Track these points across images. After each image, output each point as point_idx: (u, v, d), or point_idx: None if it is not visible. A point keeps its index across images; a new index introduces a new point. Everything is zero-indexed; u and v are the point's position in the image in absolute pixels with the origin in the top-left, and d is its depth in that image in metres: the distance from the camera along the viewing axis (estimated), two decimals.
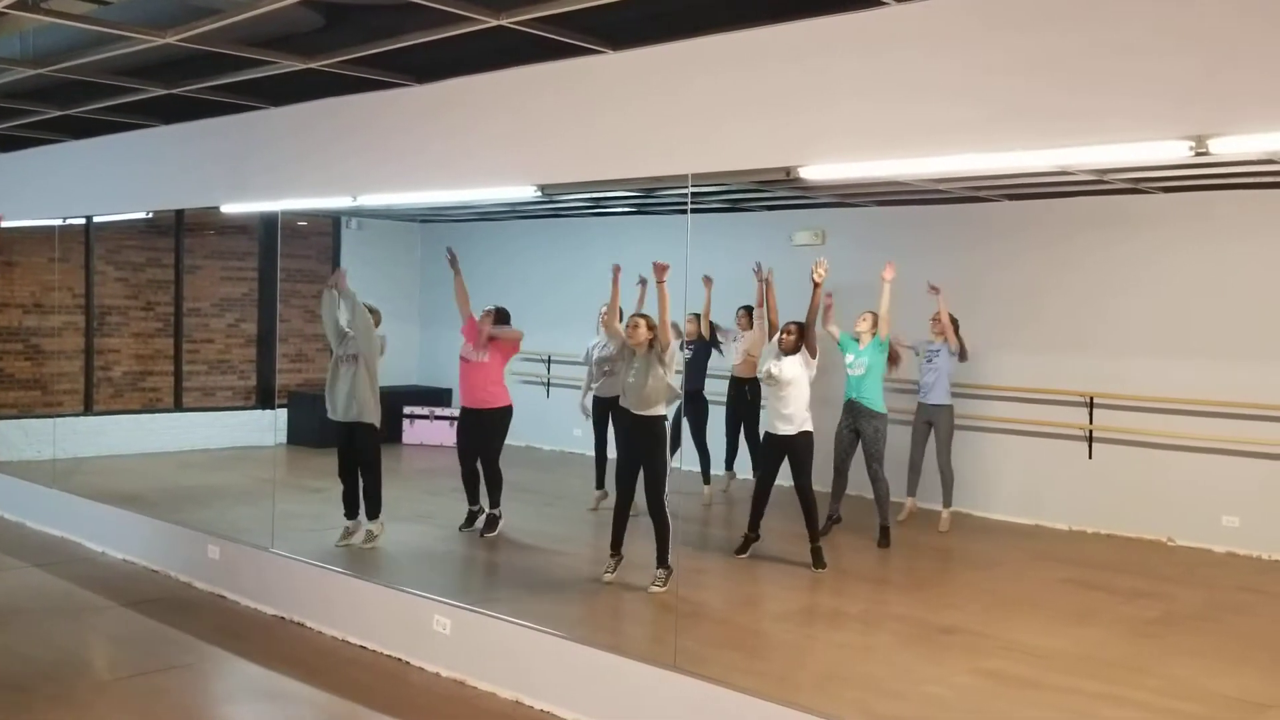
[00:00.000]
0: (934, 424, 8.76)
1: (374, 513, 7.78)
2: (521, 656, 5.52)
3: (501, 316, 8.57)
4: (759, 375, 7.69)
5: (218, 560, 7.30)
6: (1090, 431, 8.84)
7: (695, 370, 9.54)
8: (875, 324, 8.27)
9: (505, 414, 8.35)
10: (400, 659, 5.96)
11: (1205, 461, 8.30)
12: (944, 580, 7.67)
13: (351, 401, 7.63)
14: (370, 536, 7.70)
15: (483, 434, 8.28)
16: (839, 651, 5.89)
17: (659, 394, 6.79)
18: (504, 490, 8.27)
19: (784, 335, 7.58)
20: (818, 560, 7.42)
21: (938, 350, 8.70)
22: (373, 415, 7.67)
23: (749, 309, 9.87)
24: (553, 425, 12.05)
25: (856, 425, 8.25)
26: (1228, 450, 8.22)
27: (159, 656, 6.06)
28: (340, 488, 7.81)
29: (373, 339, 7.74)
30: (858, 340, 8.32)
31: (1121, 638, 6.18)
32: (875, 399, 8.21)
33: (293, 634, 6.46)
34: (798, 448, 7.46)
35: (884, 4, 4.33)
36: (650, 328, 6.89)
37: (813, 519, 7.48)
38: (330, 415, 7.77)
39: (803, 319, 7.57)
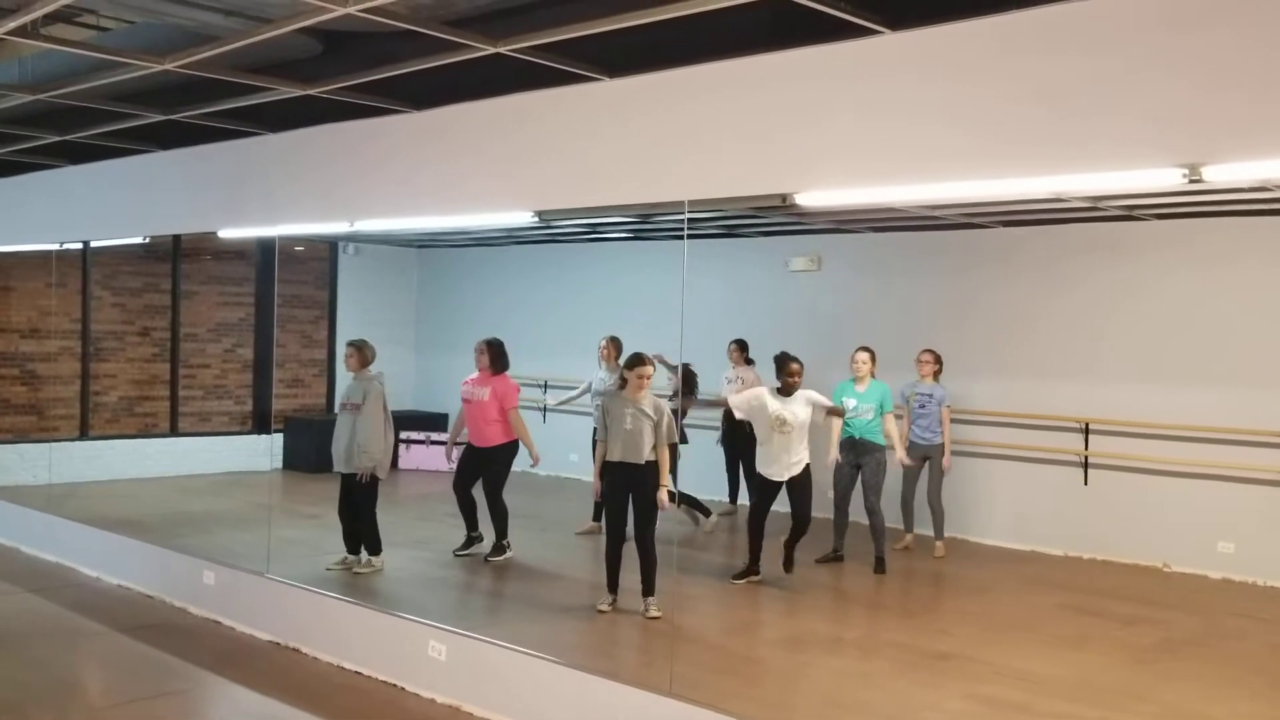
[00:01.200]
0: (930, 460, 8.82)
1: (373, 550, 7.81)
2: (517, 682, 5.50)
3: (494, 350, 8.45)
4: (769, 421, 7.52)
5: (213, 586, 7.28)
6: (1086, 457, 8.85)
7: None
8: (873, 362, 8.34)
9: (504, 451, 8.36)
10: (396, 685, 5.93)
11: (1201, 487, 8.30)
12: (939, 606, 7.66)
13: (351, 451, 7.67)
14: (367, 564, 7.70)
15: (480, 469, 8.32)
16: (834, 677, 5.87)
17: (649, 445, 6.74)
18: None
19: (789, 377, 7.53)
20: (789, 564, 7.70)
21: (929, 394, 8.80)
22: (370, 464, 7.66)
23: (742, 344, 9.96)
24: (549, 450, 12.01)
25: (858, 461, 8.27)
26: (1223, 476, 8.22)
27: (153, 683, 6.04)
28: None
29: (371, 394, 7.73)
30: (856, 382, 8.32)
31: (1117, 663, 6.16)
32: (877, 434, 8.27)
33: (288, 660, 6.44)
34: (799, 484, 7.53)
35: (879, 33, 4.37)
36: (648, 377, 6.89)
37: (802, 534, 7.62)
38: (335, 466, 7.84)
39: (791, 351, 7.65)
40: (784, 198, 4.99)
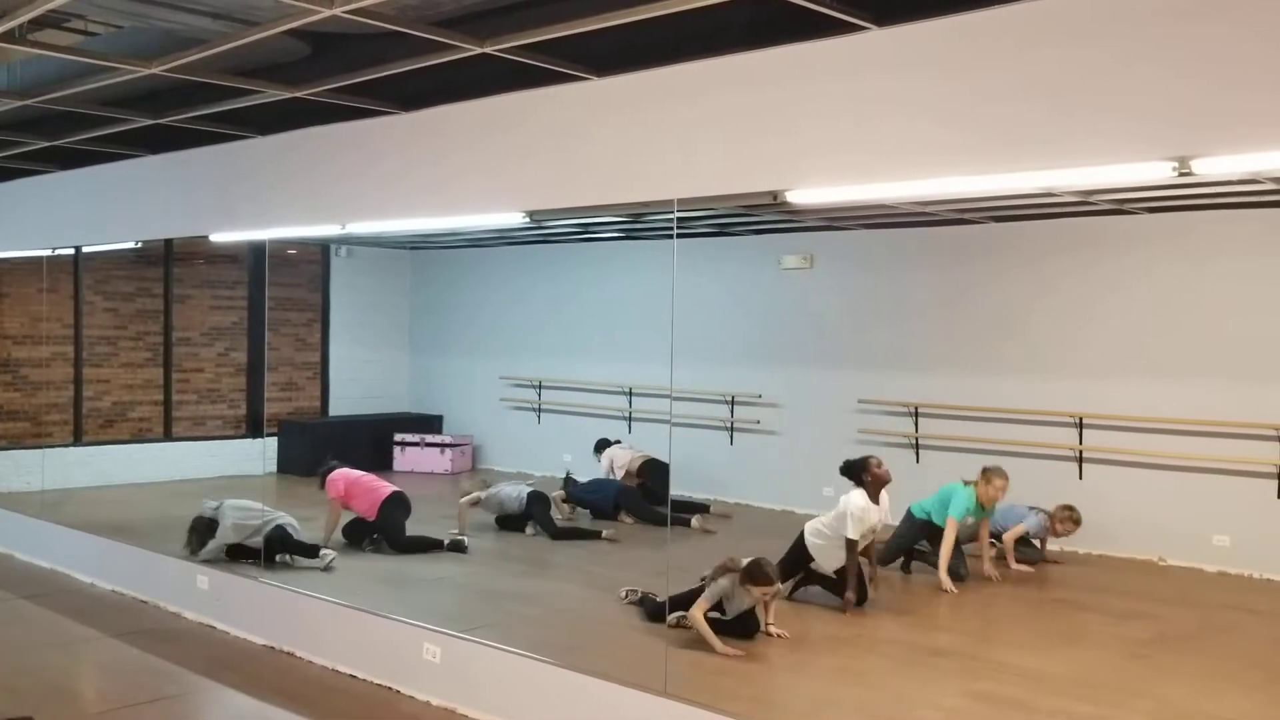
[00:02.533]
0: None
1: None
2: (512, 684, 5.49)
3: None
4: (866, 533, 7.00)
5: (207, 590, 7.26)
6: (1080, 452, 8.85)
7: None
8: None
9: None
10: (390, 688, 5.92)
11: (1196, 481, 8.31)
12: (934, 603, 7.64)
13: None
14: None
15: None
16: (830, 676, 5.86)
17: None
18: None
19: (880, 480, 7.04)
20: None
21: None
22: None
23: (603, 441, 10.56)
24: (544, 451, 12.04)
25: (921, 539, 7.96)
26: (1218, 470, 8.23)
27: (148, 687, 6.02)
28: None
29: None
30: (983, 506, 7.82)
31: (1114, 659, 6.16)
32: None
33: (282, 664, 6.42)
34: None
35: (865, 28, 4.36)
36: None
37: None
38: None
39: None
40: (774, 195, 4.98)
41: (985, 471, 7.81)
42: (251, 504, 7.94)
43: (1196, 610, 7.28)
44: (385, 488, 8.60)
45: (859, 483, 6.98)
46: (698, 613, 6.06)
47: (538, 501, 9.29)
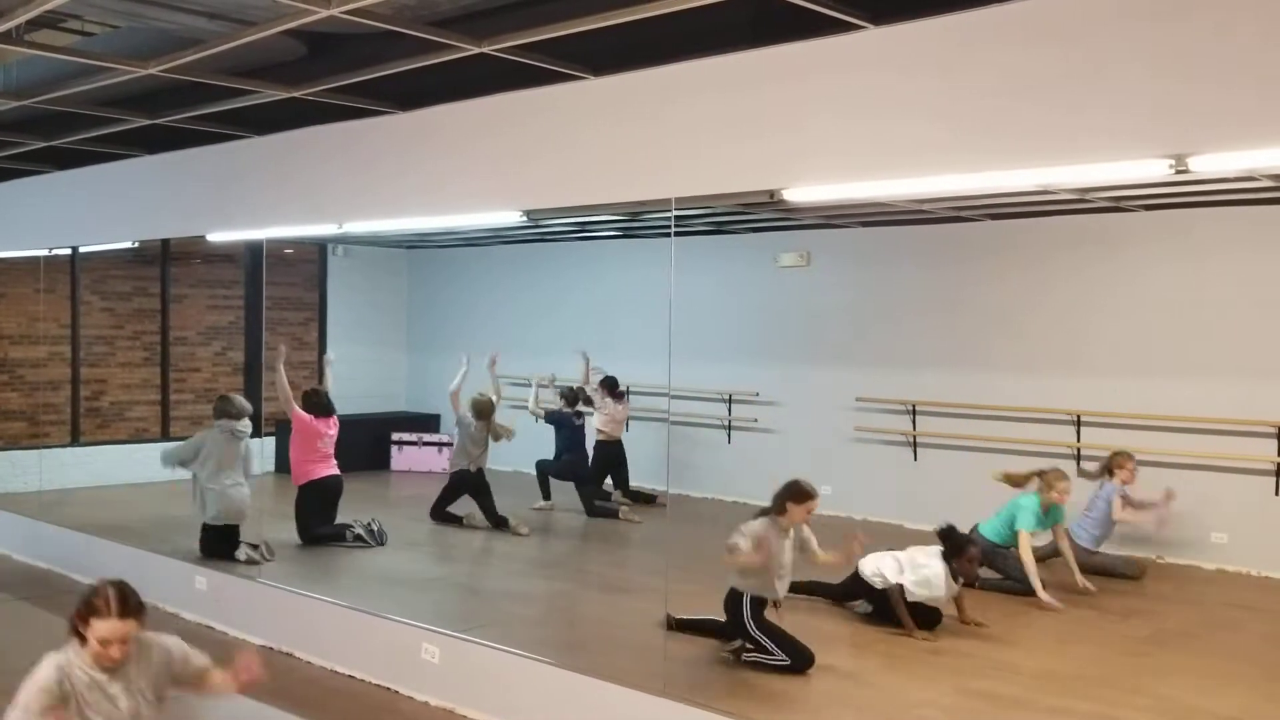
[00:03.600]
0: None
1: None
2: (511, 684, 5.49)
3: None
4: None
5: (205, 591, 7.26)
6: (1078, 450, 8.85)
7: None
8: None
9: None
10: (389, 688, 5.92)
11: (1193, 478, 8.31)
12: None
13: None
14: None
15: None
16: (828, 675, 5.86)
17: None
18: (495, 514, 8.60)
19: (971, 564, 6.69)
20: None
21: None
22: None
23: (611, 381, 10.45)
24: (541, 450, 12.02)
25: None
26: (1215, 467, 8.24)
27: None
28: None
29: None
30: (1049, 513, 7.53)
31: (1111, 656, 6.17)
32: None
33: (281, 664, 6.41)
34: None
35: (862, 27, 4.36)
36: None
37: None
38: None
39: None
40: (771, 193, 4.99)
41: (1044, 475, 7.53)
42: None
43: (1195, 607, 7.28)
44: (327, 466, 8.68)
45: (949, 557, 6.58)
46: (735, 555, 5.76)
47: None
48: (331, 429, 8.75)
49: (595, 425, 10.35)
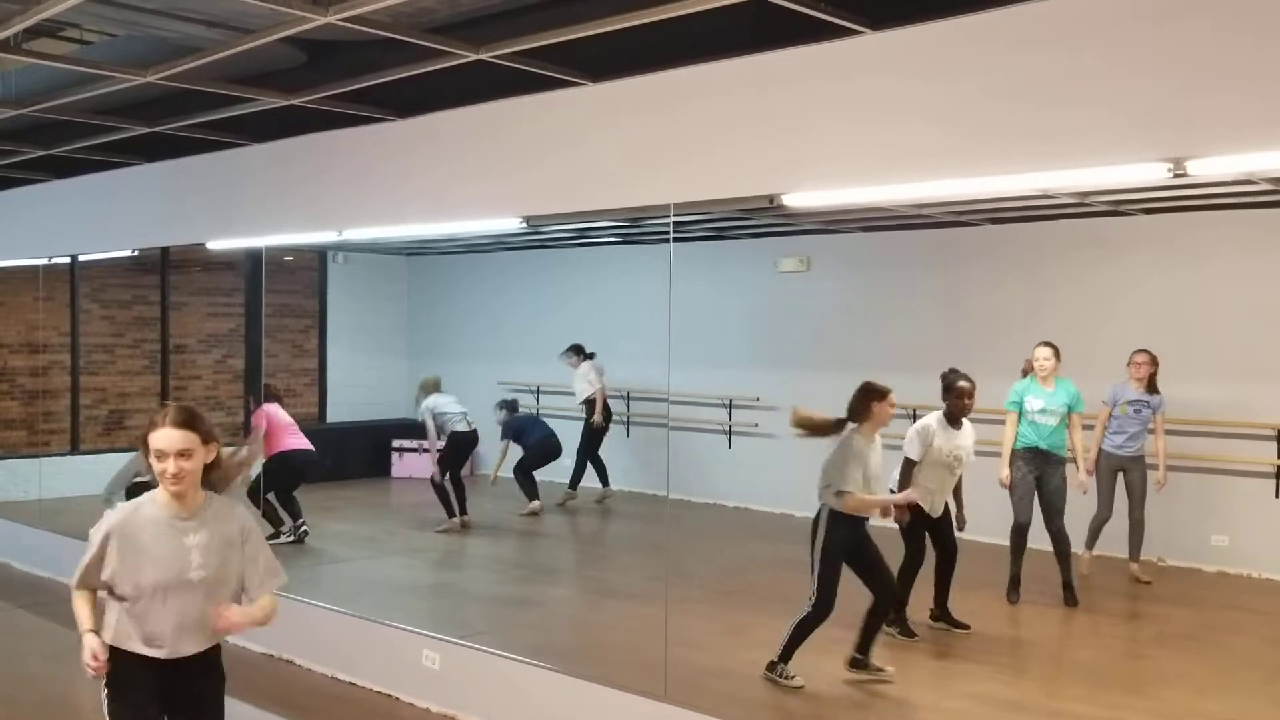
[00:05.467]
0: (1125, 472, 7.83)
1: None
2: (512, 690, 5.48)
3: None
4: (943, 461, 6.52)
5: None
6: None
7: None
8: (1058, 356, 7.42)
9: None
10: (390, 695, 5.91)
11: (1194, 481, 8.30)
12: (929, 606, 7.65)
13: None
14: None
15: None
16: (830, 680, 5.85)
17: None
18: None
19: (962, 399, 6.53)
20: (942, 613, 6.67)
21: (1145, 401, 7.75)
22: None
23: (577, 347, 10.87)
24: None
25: (1042, 473, 7.31)
26: (1215, 470, 8.23)
27: None
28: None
29: None
30: (1040, 381, 7.37)
31: (1113, 659, 6.17)
32: (1062, 444, 7.37)
33: (281, 672, 6.41)
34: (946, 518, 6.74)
35: (860, 33, 4.36)
36: None
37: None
38: None
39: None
40: (771, 199, 4.98)
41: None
42: None
43: (1196, 610, 7.28)
44: (297, 441, 8.85)
45: (945, 397, 6.54)
46: (851, 497, 5.62)
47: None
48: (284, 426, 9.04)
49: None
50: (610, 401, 11.25)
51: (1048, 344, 7.49)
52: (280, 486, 8.71)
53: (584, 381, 10.80)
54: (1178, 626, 6.88)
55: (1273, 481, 8.01)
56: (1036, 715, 5.27)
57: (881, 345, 9.92)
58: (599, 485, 10.82)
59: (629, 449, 11.33)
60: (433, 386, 9.92)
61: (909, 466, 6.46)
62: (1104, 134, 3.88)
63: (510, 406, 10.59)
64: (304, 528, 8.76)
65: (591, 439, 10.74)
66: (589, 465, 10.77)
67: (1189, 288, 8.39)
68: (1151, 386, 7.75)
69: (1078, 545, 7.60)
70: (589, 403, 10.73)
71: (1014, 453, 7.32)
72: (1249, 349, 8.10)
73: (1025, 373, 7.53)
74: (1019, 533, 7.31)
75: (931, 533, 6.54)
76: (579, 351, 10.89)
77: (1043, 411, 7.32)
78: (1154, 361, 7.72)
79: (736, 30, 4.63)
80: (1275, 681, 5.88)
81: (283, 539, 8.49)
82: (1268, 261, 8.07)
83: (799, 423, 5.96)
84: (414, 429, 13.10)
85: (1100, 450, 7.78)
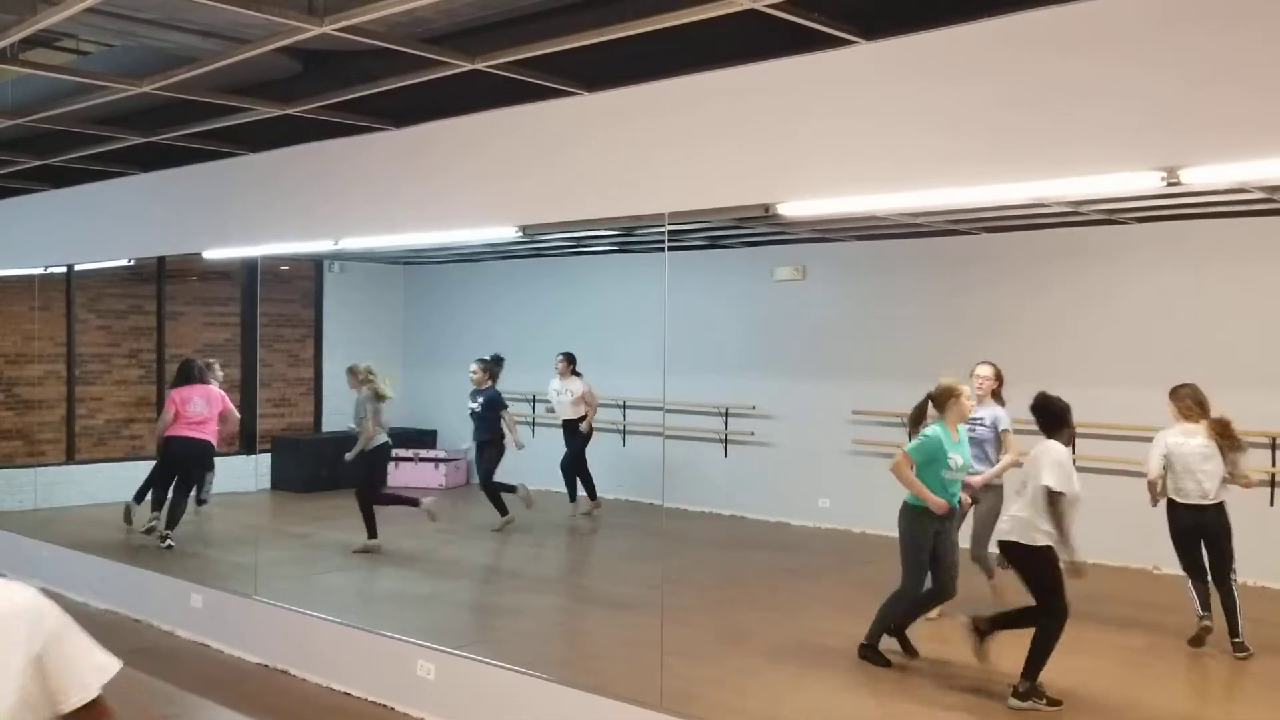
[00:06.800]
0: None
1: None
2: (507, 700, 5.47)
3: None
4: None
5: (200, 609, 7.24)
6: (1073, 461, 8.83)
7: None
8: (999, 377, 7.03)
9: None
10: (385, 705, 5.90)
11: None
12: (931, 613, 7.64)
13: None
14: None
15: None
16: (825, 688, 5.85)
17: None
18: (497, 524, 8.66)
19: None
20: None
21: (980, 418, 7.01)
22: None
23: (569, 356, 10.74)
24: (538, 465, 12.01)
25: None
26: None
27: (141, 708, 5.98)
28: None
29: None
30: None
31: (1109, 667, 6.16)
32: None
33: (276, 682, 6.40)
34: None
35: (854, 43, 4.38)
36: None
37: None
38: None
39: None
40: (766, 208, 5.00)
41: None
42: None
43: (1191, 619, 7.25)
44: (189, 429, 8.96)
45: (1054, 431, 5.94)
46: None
47: None
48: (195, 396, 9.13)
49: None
50: (607, 409, 11.28)
51: (988, 364, 7.12)
52: (164, 479, 8.76)
53: (571, 394, 10.71)
54: (1173, 635, 6.86)
55: (1268, 490, 8.01)
56: None
57: (878, 353, 9.94)
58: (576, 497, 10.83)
59: (625, 458, 11.33)
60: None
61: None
62: (1097, 143, 3.90)
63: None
64: (168, 542, 8.77)
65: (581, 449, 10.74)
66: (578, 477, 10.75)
67: (1183, 295, 8.41)
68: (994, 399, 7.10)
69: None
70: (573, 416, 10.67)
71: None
72: (1242, 357, 8.10)
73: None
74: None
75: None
76: (571, 360, 10.83)
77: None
78: (997, 376, 7.11)
79: (731, 40, 4.65)
80: (1273, 690, 5.88)
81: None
82: (1261, 269, 8.09)
83: None
84: (409, 438, 13.13)
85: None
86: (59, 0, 4.39)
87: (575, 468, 10.69)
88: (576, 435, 10.69)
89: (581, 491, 10.70)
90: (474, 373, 10.08)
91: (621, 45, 4.65)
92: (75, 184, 8.66)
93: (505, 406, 10.06)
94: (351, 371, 9.36)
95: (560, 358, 10.79)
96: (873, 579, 8.03)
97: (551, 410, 11.14)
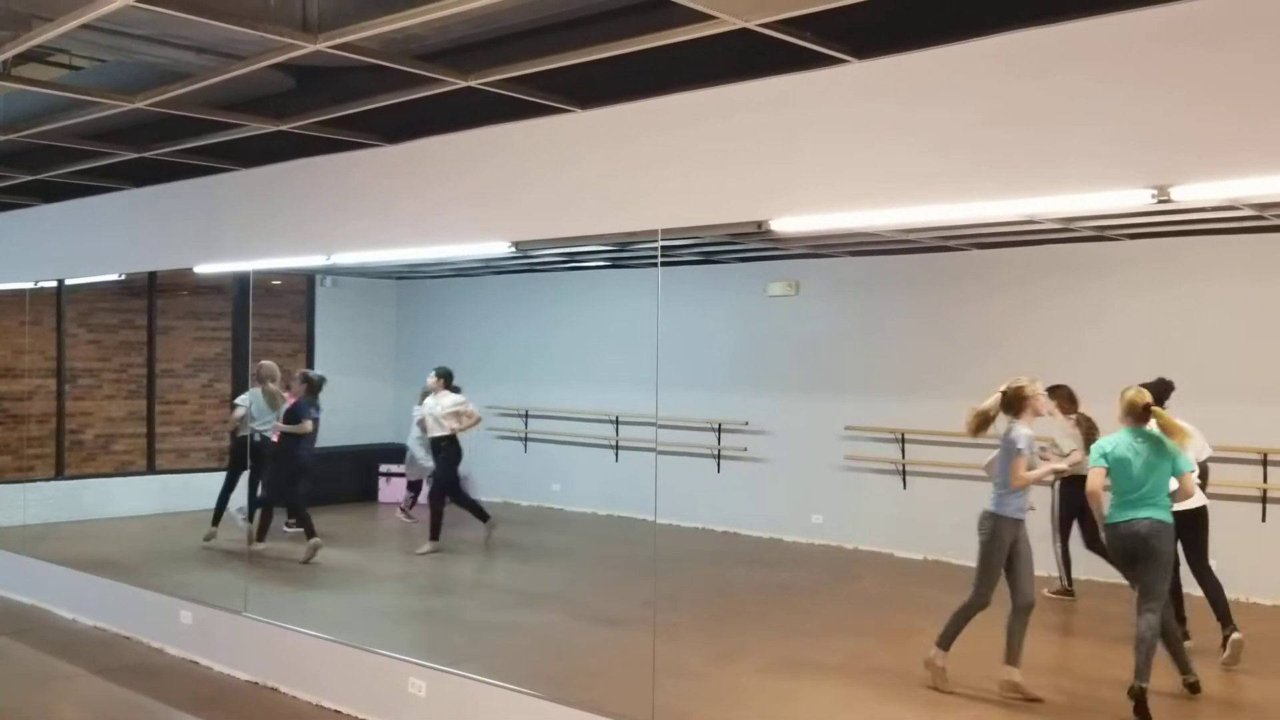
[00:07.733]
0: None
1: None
2: (498, 717, 5.45)
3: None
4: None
5: (190, 625, 7.20)
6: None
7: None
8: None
9: None
10: None
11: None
12: (924, 629, 7.63)
13: None
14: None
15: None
16: (819, 705, 5.84)
17: None
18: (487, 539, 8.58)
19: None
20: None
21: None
22: None
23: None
24: (531, 480, 12.01)
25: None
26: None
27: None
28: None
29: None
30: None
31: (1103, 684, 6.15)
32: None
33: (266, 700, 6.37)
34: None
35: (846, 61, 4.39)
36: None
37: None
38: None
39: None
40: (759, 224, 5.01)
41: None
42: None
43: (1195, 635, 7.26)
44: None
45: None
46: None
47: None
48: None
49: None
50: (599, 424, 11.26)
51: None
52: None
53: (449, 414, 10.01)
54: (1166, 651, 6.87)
55: (1259, 505, 8.03)
56: None
57: (870, 369, 9.96)
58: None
59: (617, 473, 11.32)
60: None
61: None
62: (1088, 160, 3.92)
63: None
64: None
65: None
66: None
67: (1173, 312, 8.44)
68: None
69: None
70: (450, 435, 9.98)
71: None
72: (1233, 373, 8.13)
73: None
74: None
75: None
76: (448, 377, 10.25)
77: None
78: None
79: (723, 58, 4.66)
80: (1270, 708, 5.87)
81: None
82: (1252, 286, 8.13)
83: None
84: (401, 454, 13.08)
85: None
86: (52, 16, 4.39)
87: (454, 497, 9.87)
88: (443, 456, 9.92)
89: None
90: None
91: (614, 63, 4.66)
92: (67, 199, 8.65)
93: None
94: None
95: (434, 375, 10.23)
96: (865, 595, 8.04)
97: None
